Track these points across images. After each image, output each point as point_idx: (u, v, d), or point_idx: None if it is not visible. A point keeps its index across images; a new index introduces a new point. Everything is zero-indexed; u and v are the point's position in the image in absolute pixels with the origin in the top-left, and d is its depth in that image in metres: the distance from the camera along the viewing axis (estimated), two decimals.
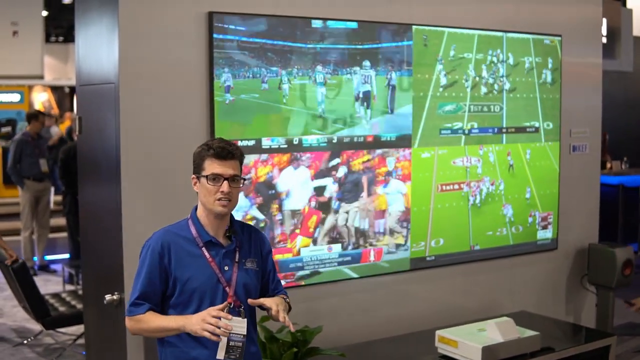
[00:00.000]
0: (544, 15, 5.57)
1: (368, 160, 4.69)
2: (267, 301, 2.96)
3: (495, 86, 5.27)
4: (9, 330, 7.09)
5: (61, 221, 10.07)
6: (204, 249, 2.96)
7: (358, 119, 4.61)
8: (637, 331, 6.86)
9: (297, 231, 4.43)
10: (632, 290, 6.55)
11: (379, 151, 4.72)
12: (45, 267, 9.49)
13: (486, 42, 5.19)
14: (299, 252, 4.45)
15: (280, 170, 4.35)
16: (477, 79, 5.17)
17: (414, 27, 4.82)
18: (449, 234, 5.11)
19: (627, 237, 9.28)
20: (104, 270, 4.29)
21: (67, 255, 9.46)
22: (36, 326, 6.73)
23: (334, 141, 4.53)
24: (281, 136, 4.33)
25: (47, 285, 8.52)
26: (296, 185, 4.43)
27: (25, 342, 6.73)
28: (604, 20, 9.00)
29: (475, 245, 5.25)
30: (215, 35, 4.05)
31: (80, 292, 6.34)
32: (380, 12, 4.70)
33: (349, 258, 4.65)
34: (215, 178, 2.90)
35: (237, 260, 3.01)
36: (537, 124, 5.52)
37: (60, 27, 20.40)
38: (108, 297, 3.98)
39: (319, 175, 4.50)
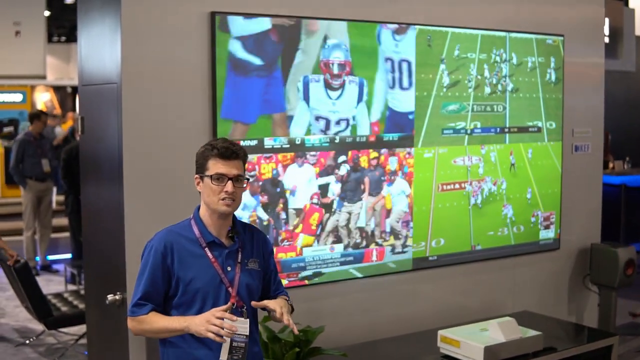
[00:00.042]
0: (546, 15, 5.57)
1: (375, 158, 4.69)
2: (270, 303, 2.96)
3: (499, 86, 5.27)
4: (11, 331, 7.09)
5: (63, 221, 10.07)
6: (206, 249, 2.96)
7: (360, 119, 4.61)
8: (639, 331, 6.86)
9: (297, 230, 4.42)
10: (634, 290, 6.56)
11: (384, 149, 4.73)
12: (47, 267, 9.50)
13: (489, 42, 5.19)
14: (301, 251, 4.45)
15: (284, 167, 4.35)
16: (480, 78, 5.16)
17: (417, 27, 4.81)
18: (450, 234, 5.10)
19: (630, 237, 9.27)
20: (106, 270, 4.29)
21: (69, 255, 9.46)
22: (38, 326, 6.74)
23: (336, 141, 4.52)
24: (284, 136, 4.33)
25: (49, 285, 8.52)
26: (301, 182, 4.43)
27: (27, 342, 6.73)
28: (607, 20, 8.99)
29: (477, 245, 5.25)
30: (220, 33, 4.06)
31: (82, 292, 6.34)
32: (382, 12, 4.70)
33: (351, 258, 4.65)
34: (219, 178, 2.90)
35: (239, 260, 3.01)
36: (540, 124, 5.51)
37: (62, 27, 20.42)
38: (110, 297, 3.99)
39: (323, 173, 4.50)
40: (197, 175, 2.97)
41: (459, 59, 5.05)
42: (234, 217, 3.06)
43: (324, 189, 4.51)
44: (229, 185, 2.90)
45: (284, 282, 4.35)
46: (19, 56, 15.18)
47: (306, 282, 4.48)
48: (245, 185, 3.00)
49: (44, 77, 16.21)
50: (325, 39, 4.44)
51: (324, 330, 4.10)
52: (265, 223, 4.31)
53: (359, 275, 4.69)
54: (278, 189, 4.35)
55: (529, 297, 5.57)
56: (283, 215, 4.37)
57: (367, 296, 4.77)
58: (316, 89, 4.43)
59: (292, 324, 2.91)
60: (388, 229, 4.79)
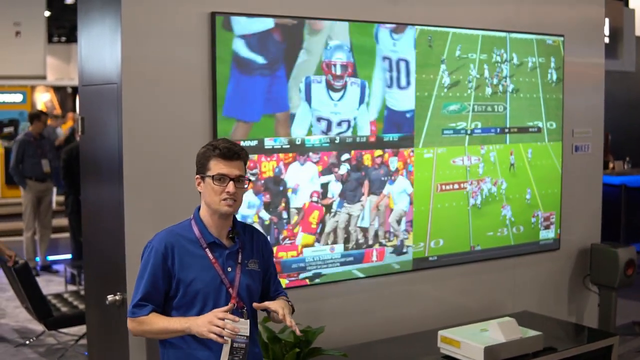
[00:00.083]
0: (546, 16, 5.57)
1: (379, 156, 4.70)
2: (272, 305, 2.96)
3: (500, 87, 5.27)
4: (11, 331, 7.09)
5: (63, 221, 10.08)
6: (207, 250, 2.96)
7: (361, 121, 4.61)
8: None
9: (295, 230, 4.42)
10: (634, 291, 6.55)
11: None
12: (47, 268, 9.50)
13: (490, 43, 5.19)
14: (301, 251, 4.45)
15: (286, 165, 4.35)
16: (481, 78, 5.16)
17: (418, 28, 4.81)
18: (449, 234, 5.09)
19: (630, 237, 9.26)
20: (106, 270, 4.29)
21: (69, 256, 9.46)
22: (38, 327, 6.74)
23: (336, 141, 4.52)
24: (285, 136, 4.32)
25: (49, 285, 8.53)
26: (304, 181, 4.42)
27: (27, 342, 6.73)
28: (607, 21, 8.98)
29: (476, 246, 5.24)
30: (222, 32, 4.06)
31: (82, 292, 6.34)
32: (383, 12, 4.70)
33: (351, 258, 4.65)
34: (221, 178, 2.90)
35: (239, 261, 3.01)
36: (540, 124, 5.51)
37: (62, 28, 20.43)
38: (110, 297, 3.99)
39: (325, 171, 4.50)
40: (198, 176, 2.97)
41: (460, 59, 5.05)
42: (234, 217, 3.06)
43: (324, 187, 4.51)
44: (231, 186, 2.90)
45: (284, 282, 4.35)
46: (19, 56, 15.18)
47: (307, 282, 4.48)
48: (246, 185, 3.00)
49: (44, 78, 16.21)
50: (327, 39, 4.44)
51: (324, 330, 4.10)
52: (267, 222, 4.31)
53: (359, 275, 4.69)
54: (281, 188, 4.35)
55: (529, 298, 5.57)
56: (285, 215, 4.37)
57: (367, 296, 4.77)
58: (318, 90, 4.43)
59: (294, 325, 2.91)
60: (392, 229, 4.79)
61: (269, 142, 4.28)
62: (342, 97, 4.52)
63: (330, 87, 4.47)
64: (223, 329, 2.77)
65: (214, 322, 2.78)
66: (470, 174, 5.17)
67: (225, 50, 4.09)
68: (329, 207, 4.52)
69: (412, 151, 4.84)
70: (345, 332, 4.61)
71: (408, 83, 4.80)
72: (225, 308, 2.85)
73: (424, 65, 4.86)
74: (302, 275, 4.45)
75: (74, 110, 16.94)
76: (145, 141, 3.92)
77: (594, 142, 5.98)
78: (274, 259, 4.22)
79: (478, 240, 5.24)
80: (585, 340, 5.06)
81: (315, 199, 4.47)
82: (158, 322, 2.90)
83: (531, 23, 5.44)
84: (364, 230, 4.69)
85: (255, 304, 2.99)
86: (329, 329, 4.26)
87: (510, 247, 5.43)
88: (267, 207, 4.30)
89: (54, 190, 10.36)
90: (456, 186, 5.12)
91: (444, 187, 5.05)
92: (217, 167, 2.90)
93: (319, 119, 4.45)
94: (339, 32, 4.49)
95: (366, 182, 4.67)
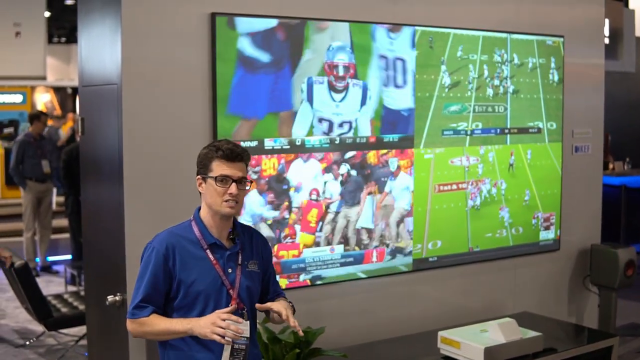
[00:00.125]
0: (546, 16, 5.57)
1: (384, 154, 4.70)
2: (274, 306, 2.97)
3: (501, 88, 5.27)
4: (11, 332, 7.09)
5: (63, 222, 10.08)
6: (208, 251, 2.95)
7: (363, 122, 4.61)
8: (639, 332, 6.86)
9: (296, 227, 4.43)
10: (634, 291, 6.55)
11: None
12: (47, 268, 9.49)
13: (491, 44, 5.19)
14: (301, 252, 4.44)
15: (288, 163, 4.34)
16: (482, 79, 5.16)
17: (419, 28, 4.81)
18: (447, 236, 5.08)
19: (630, 238, 9.27)
20: (106, 271, 4.29)
21: (69, 256, 9.47)
22: (38, 327, 6.73)
23: (337, 142, 4.52)
24: (287, 136, 4.32)
25: (50, 286, 8.52)
26: (307, 179, 4.43)
27: (27, 343, 6.73)
28: (607, 21, 8.98)
29: (475, 247, 5.24)
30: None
31: (82, 293, 6.35)
32: (384, 13, 4.70)
33: (351, 259, 4.64)
34: (224, 180, 2.89)
35: (240, 262, 3.00)
36: (540, 125, 5.51)
37: (62, 28, 20.43)
38: (110, 297, 3.99)
39: (328, 169, 4.50)
40: (199, 176, 2.96)
41: (461, 60, 5.05)
42: (234, 218, 3.06)
43: (326, 185, 4.50)
44: (233, 187, 2.89)
45: (284, 282, 4.35)
46: (19, 57, 15.17)
47: (308, 282, 4.48)
48: (248, 187, 3.00)
49: (44, 78, 16.21)
50: (330, 39, 4.44)
51: (324, 331, 4.10)
52: (269, 222, 4.31)
53: (359, 276, 4.69)
54: (284, 186, 4.35)
55: (529, 298, 5.57)
56: (286, 214, 4.37)
57: (367, 297, 4.77)
58: (320, 91, 4.43)
59: (297, 326, 2.91)
60: (389, 230, 4.78)
61: (269, 143, 4.28)
62: (343, 98, 4.52)
63: (332, 88, 4.47)
64: (226, 330, 2.77)
65: (217, 323, 2.78)
66: (469, 175, 5.17)
67: (230, 49, 4.09)
68: (327, 207, 4.51)
69: (413, 152, 4.84)
70: (345, 332, 4.61)
71: (405, 82, 4.79)
72: (228, 309, 2.85)
73: (424, 65, 4.86)
74: (301, 276, 4.45)
75: (74, 111, 16.93)
76: (145, 142, 3.92)
77: (594, 143, 5.98)
78: (275, 259, 4.26)
79: (476, 242, 5.23)
80: (585, 340, 5.06)
81: (314, 196, 4.46)
82: (159, 324, 2.89)
83: (531, 24, 5.44)
84: (369, 232, 4.69)
85: (257, 305, 2.99)
86: (329, 329, 4.26)
87: (510, 248, 5.43)
88: (271, 206, 4.31)
89: (54, 191, 10.36)
90: (454, 187, 5.11)
91: (442, 187, 5.04)
92: (219, 168, 2.90)
93: (320, 120, 4.45)
94: (341, 31, 4.49)
95: (371, 182, 4.66)
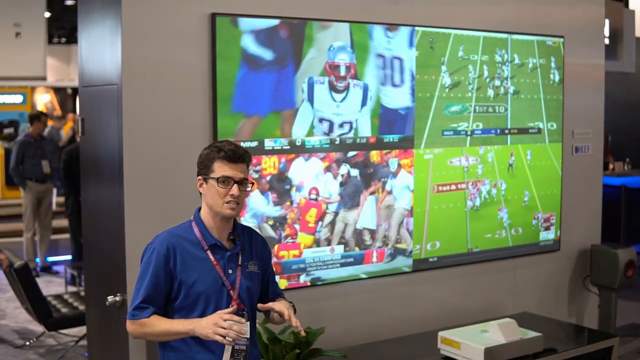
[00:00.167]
0: (546, 17, 5.57)
1: (387, 153, 4.70)
2: (276, 306, 2.97)
3: (502, 88, 5.27)
4: (11, 332, 7.09)
5: (63, 222, 10.08)
6: (208, 252, 2.95)
7: (363, 123, 4.61)
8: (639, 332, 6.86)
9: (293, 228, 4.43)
10: (634, 292, 6.55)
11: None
12: (47, 269, 9.49)
13: (491, 44, 5.19)
14: (301, 252, 4.44)
15: (288, 162, 4.35)
16: (482, 79, 5.16)
17: (420, 29, 4.81)
18: (445, 236, 5.07)
19: (630, 238, 9.27)
20: (106, 271, 4.29)
21: (69, 257, 9.47)
22: (38, 328, 6.73)
23: (337, 142, 4.52)
24: (286, 137, 4.32)
25: (50, 286, 8.52)
26: (308, 177, 4.43)
27: (27, 343, 6.73)
28: (607, 22, 8.98)
29: (475, 248, 5.23)
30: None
31: (82, 293, 6.35)
32: (384, 13, 4.70)
33: (351, 259, 4.64)
34: (225, 181, 2.88)
35: (240, 263, 3.00)
36: (541, 125, 5.51)
37: (62, 29, 20.42)
38: (110, 298, 3.99)
39: (329, 168, 4.50)
40: (200, 177, 2.95)
41: (462, 60, 5.05)
42: (234, 219, 3.05)
43: (325, 185, 4.50)
44: (235, 189, 2.89)
45: (284, 283, 4.35)
46: (19, 57, 15.17)
47: (308, 283, 4.48)
48: (249, 189, 2.99)
49: (44, 79, 16.20)
50: (332, 39, 4.44)
51: (324, 331, 4.10)
52: (270, 222, 4.31)
53: (359, 276, 4.69)
54: (286, 186, 4.35)
55: (529, 299, 5.57)
56: (288, 214, 4.37)
57: (367, 297, 4.77)
58: (320, 91, 4.43)
59: (299, 326, 2.91)
60: (394, 230, 4.78)
61: (269, 143, 4.28)
62: (344, 98, 4.52)
63: (333, 88, 4.47)
64: (228, 330, 2.77)
65: (219, 324, 2.77)
66: (469, 175, 5.16)
67: (233, 46, 4.09)
68: (326, 207, 4.51)
69: (413, 152, 4.84)
70: (345, 333, 4.61)
71: (402, 81, 4.78)
72: (229, 310, 2.85)
73: (425, 66, 4.86)
74: (302, 276, 4.45)
75: (74, 111, 16.93)
76: (145, 142, 3.92)
77: (594, 143, 5.98)
78: (275, 259, 4.26)
79: (476, 243, 5.22)
80: (586, 341, 5.06)
81: (313, 196, 4.46)
82: (160, 324, 2.88)
83: (531, 24, 5.44)
84: (371, 232, 4.69)
85: (260, 305, 3.00)
86: (329, 329, 4.26)
87: (511, 249, 5.43)
88: (274, 205, 4.31)
89: (54, 191, 10.35)
90: (453, 187, 5.11)
91: (440, 188, 5.03)
92: (221, 169, 2.89)
93: (321, 120, 4.45)
94: (342, 30, 4.50)
95: (373, 183, 4.66)
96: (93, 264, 4.55)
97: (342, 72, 4.50)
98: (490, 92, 5.22)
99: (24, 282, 5.96)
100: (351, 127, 4.56)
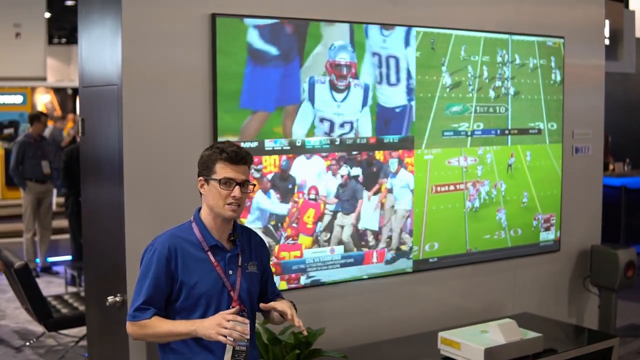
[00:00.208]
0: (546, 17, 5.57)
1: (386, 155, 4.71)
2: (278, 305, 2.97)
3: (503, 89, 5.27)
4: (11, 332, 7.09)
5: (63, 223, 10.08)
6: (209, 253, 2.94)
7: (364, 123, 4.61)
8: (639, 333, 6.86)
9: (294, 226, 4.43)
10: (634, 292, 6.55)
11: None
12: (47, 269, 9.49)
13: (492, 45, 5.19)
14: (301, 253, 4.44)
15: (290, 159, 4.35)
16: (483, 80, 5.16)
17: (421, 30, 4.81)
18: (444, 237, 5.06)
19: (630, 239, 9.27)
20: (106, 272, 4.29)
21: (69, 257, 9.46)
22: (38, 328, 6.73)
23: (337, 143, 4.52)
24: (287, 136, 4.32)
25: (50, 287, 8.52)
26: (310, 176, 4.43)
27: (27, 344, 6.73)
28: (607, 22, 8.97)
29: (474, 249, 5.22)
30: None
31: (82, 293, 6.34)
32: (385, 14, 4.70)
33: (351, 260, 4.64)
34: (227, 182, 2.88)
35: (240, 264, 3.00)
36: (541, 125, 5.51)
37: (62, 29, 20.44)
38: (110, 298, 3.99)
39: (329, 167, 4.51)
40: (201, 178, 2.94)
41: (463, 61, 5.05)
42: (234, 220, 3.05)
43: (325, 185, 4.50)
44: (237, 191, 2.88)
45: (284, 285, 4.35)
46: (20, 58, 15.18)
47: (308, 283, 4.48)
48: (251, 191, 2.98)
49: (44, 79, 16.21)
50: (333, 38, 4.44)
51: (324, 332, 4.10)
52: (272, 222, 4.31)
53: (359, 277, 4.69)
54: (290, 185, 4.36)
55: (529, 299, 5.57)
56: (290, 213, 4.37)
57: (367, 298, 4.77)
58: (321, 91, 4.43)
59: (302, 326, 2.91)
60: (396, 231, 4.78)
61: (269, 144, 4.28)
62: (345, 98, 4.52)
63: (333, 87, 4.47)
64: (231, 331, 2.76)
65: (222, 324, 2.77)
66: (467, 175, 5.16)
67: (239, 42, 4.10)
68: (324, 208, 4.50)
69: (413, 152, 4.84)
70: (345, 333, 4.61)
71: (398, 80, 4.78)
72: (232, 310, 2.84)
73: (426, 66, 4.86)
74: (302, 276, 4.45)
75: (74, 111, 16.93)
76: (145, 142, 3.92)
77: (594, 144, 5.98)
78: (276, 260, 4.26)
79: (475, 244, 5.21)
80: (586, 341, 5.06)
81: (312, 195, 4.45)
82: (162, 326, 2.87)
83: (531, 25, 5.44)
84: (374, 233, 4.69)
85: (262, 305, 3.00)
86: (329, 330, 4.26)
87: (511, 249, 5.43)
88: (278, 204, 4.32)
89: (54, 191, 10.35)
90: (452, 187, 5.10)
91: (439, 188, 5.02)
92: (223, 170, 2.88)
93: (322, 120, 4.45)
94: (344, 29, 4.50)
95: (374, 183, 4.66)
96: (93, 265, 4.55)
97: (343, 72, 4.49)
98: (491, 93, 5.22)
99: (24, 282, 5.96)
100: (352, 127, 4.56)
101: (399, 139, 4.78)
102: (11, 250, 6.41)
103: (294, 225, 4.39)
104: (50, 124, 12.95)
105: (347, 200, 4.58)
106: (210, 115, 4.08)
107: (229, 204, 2.88)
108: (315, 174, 4.44)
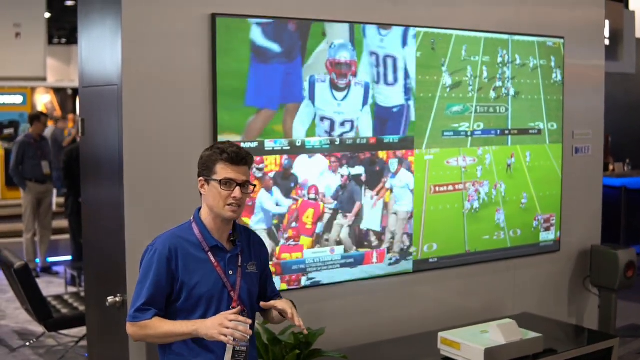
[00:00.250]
0: (546, 18, 5.57)
1: (386, 155, 4.71)
2: (279, 304, 2.97)
3: (504, 90, 5.27)
4: (11, 333, 7.09)
5: (63, 223, 10.08)
6: (209, 253, 2.94)
7: (364, 122, 4.61)
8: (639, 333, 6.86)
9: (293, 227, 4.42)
10: (634, 292, 6.55)
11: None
12: (47, 269, 9.49)
13: (493, 45, 5.19)
14: (302, 253, 4.44)
15: (291, 158, 4.35)
16: (483, 80, 5.16)
17: (422, 30, 4.81)
18: (443, 238, 5.05)
19: (630, 239, 9.27)
20: (106, 272, 4.29)
21: (69, 257, 9.46)
22: (38, 328, 6.73)
23: (337, 143, 4.52)
24: (286, 136, 4.33)
25: (50, 287, 8.52)
26: (313, 175, 4.43)
27: (27, 344, 6.73)
28: (607, 23, 8.98)
29: (474, 250, 5.21)
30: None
31: (82, 294, 6.34)
32: (385, 14, 4.70)
33: (351, 260, 4.64)
34: (228, 183, 2.87)
35: (239, 264, 3.00)
36: (541, 125, 5.51)
37: (63, 29, 20.45)
38: (110, 299, 3.99)
39: (333, 167, 4.52)
40: (202, 178, 2.94)
41: (464, 61, 5.04)
42: (234, 220, 3.04)
43: (325, 185, 4.50)
44: (237, 191, 2.88)
45: (284, 285, 4.35)
46: (20, 58, 15.18)
47: (308, 283, 4.48)
48: (251, 192, 2.98)
49: (44, 79, 16.21)
50: (333, 37, 4.44)
51: (324, 332, 4.10)
52: (275, 221, 4.31)
53: (359, 277, 4.68)
54: (292, 184, 4.36)
55: (529, 299, 5.57)
56: (291, 212, 4.37)
57: (367, 298, 4.77)
58: (322, 89, 4.43)
59: (302, 325, 2.91)
60: (398, 231, 4.78)
61: (269, 144, 4.27)
62: (345, 97, 4.52)
63: (334, 86, 4.47)
64: (234, 331, 2.76)
65: (224, 324, 2.76)
66: (466, 176, 5.15)
67: (243, 39, 4.10)
68: (323, 208, 4.50)
69: (414, 153, 4.84)
70: (345, 333, 4.61)
71: (395, 80, 4.77)
72: (234, 311, 2.84)
73: (427, 66, 4.86)
74: (302, 277, 4.45)
75: (74, 112, 16.94)
76: (145, 142, 3.92)
77: (594, 144, 5.98)
78: (276, 260, 4.26)
79: (474, 245, 5.20)
80: (586, 342, 5.06)
81: (312, 195, 4.45)
82: (162, 326, 2.86)
83: (531, 25, 5.44)
84: (376, 234, 4.69)
85: (262, 303, 3.00)
86: (329, 330, 4.26)
87: (511, 249, 5.43)
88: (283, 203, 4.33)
89: (54, 191, 10.35)
90: (450, 188, 5.09)
91: (437, 188, 5.02)
92: (224, 171, 2.88)
93: (322, 119, 4.45)
94: (344, 28, 4.50)
95: (376, 184, 4.66)
96: (93, 265, 4.55)
97: (343, 70, 4.49)
98: (492, 93, 5.22)
99: (24, 282, 5.96)
100: (352, 126, 4.56)
101: (399, 139, 4.78)
102: (11, 251, 6.41)
103: (294, 225, 4.39)
104: (50, 124, 12.96)
105: (345, 201, 4.58)
106: (211, 116, 4.08)
107: (229, 205, 2.88)
108: (317, 173, 4.44)
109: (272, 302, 2.98)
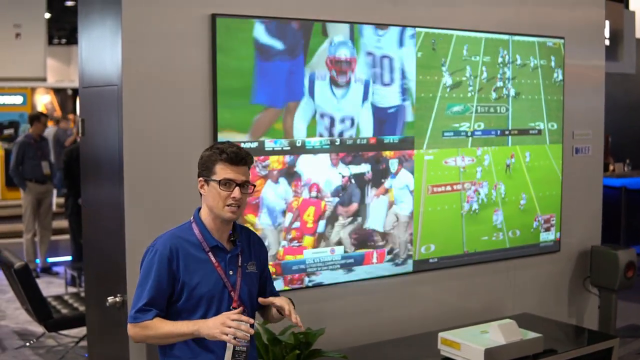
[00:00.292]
0: (546, 18, 5.57)
1: (386, 156, 4.71)
2: (277, 300, 2.96)
3: (504, 90, 5.27)
4: (11, 333, 7.09)
5: (63, 223, 10.08)
6: (210, 253, 2.94)
7: (364, 120, 4.61)
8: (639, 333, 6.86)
9: (295, 227, 4.42)
10: (634, 292, 6.55)
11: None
12: (47, 270, 9.49)
13: (493, 45, 5.19)
14: (302, 253, 4.44)
15: (294, 155, 4.35)
16: (484, 80, 5.16)
17: (422, 30, 4.81)
18: (441, 239, 5.04)
19: (630, 239, 9.27)
20: (106, 272, 4.29)
21: (69, 258, 9.46)
22: (38, 328, 6.73)
23: (337, 143, 4.52)
24: (286, 131, 4.32)
25: (50, 287, 8.52)
26: (316, 174, 4.44)
27: (27, 344, 6.73)
28: (607, 23, 8.98)
29: (472, 251, 5.21)
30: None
31: (82, 294, 6.34)
32: (385, 14, 4.70)
33: (351, 260, 4.64)
34: (227, 183, 2.87)
35: (240, 264, 3.00)
36: (541, 125, 5.51)
37: (63, 30, 20.45)
38: (110, 299, 3.99)
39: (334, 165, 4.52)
40: (201, 178, 2.94)
41: (464, 61, 5.04)
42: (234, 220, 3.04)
43: (326, 184, 4.50)
44: (237, 192, 2.87)
45: (286, 287, 4.35)
46: (20, 58, 15.19)
47: (308, 284, 4.48)
48: (251, 192, 2.98)
49: (44, 80, 16.21)
50: (333, 35, 4.45)
51: (324, 332, 4.10)
52: (280, 221, 4.31)
53: (359, 277, 4.68)
54: (296, 181, 4.36)
55: (529, 299, 5.57)
56: (293, 212, 4.38)
57: (367, 298, 4.77)
58: (321, 86, 4.43)
59: (299, 322, 2.90)
60: (400, 231, 4.78)
61: (269, 144, 4.27)
62: (345, 94, 4.52)
63: (334, 83, 4.47)
64: (236, 330, 2.76)
65: (227, 324, 2.76)
66: (465, 176, 5.15)
67: (245, 37, 4.11)
68: (325, 207, 4.50)
69: (414, 153, 4.84)
70: (345, 333, 4.61)
71: (392, 80, 4.77)
72: (237, 311, 2.84)
73: (427, 67, 4.86)
74: (302, 277, 4.44)
75: (74, 112, 16.94)
76: (145, 142, 3.92)
77: (594, 144, 5.98)
78: (277, 260, 4.26)
79: (473, 246, 5.19)
80: (586, 342, 5.06)
81: (314, 193, 4.45)
82: (164, 327, 2.86)
83: (531, 25, 5.44)
84: (380, 234, 4.69)
85: (261, 299, 2.99)
86: (329, 330, 4.26)
87: (511, 249, 5.42)
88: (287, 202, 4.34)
89: (54, 192, 10.35)
90: (448, 188, 5.09)
91: (435, 189, 5.01)
92: (223, 171, 2.87)
93: (322, 115, 4.45)
94: (343, 26, 4.50)
95: (378, 184, 4.66)
96: (93, 265, 4.55)
97: (343, 67, 4.49)
98: (492, 93, 5.22)
99: (24, 283, 5.96)
100: (352, 123, 4.56)
101: (399, 139, 4.78)
102: (11, 251, 6.41)
103: (296, 225, 4.38)
104: (50, 124, 12.96)
105: (344, 202, 4.58)
106: (211, 116, 4.08)
107: (228, 205, 2.88)
108: (320, 171, 4.44)
109: (270, 299, 2.98)
